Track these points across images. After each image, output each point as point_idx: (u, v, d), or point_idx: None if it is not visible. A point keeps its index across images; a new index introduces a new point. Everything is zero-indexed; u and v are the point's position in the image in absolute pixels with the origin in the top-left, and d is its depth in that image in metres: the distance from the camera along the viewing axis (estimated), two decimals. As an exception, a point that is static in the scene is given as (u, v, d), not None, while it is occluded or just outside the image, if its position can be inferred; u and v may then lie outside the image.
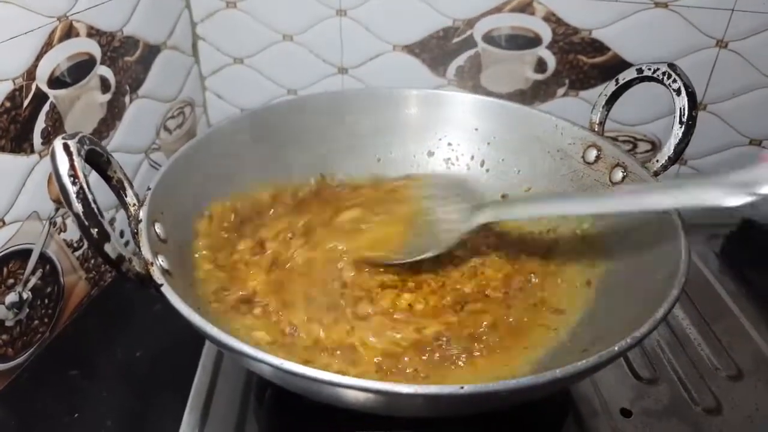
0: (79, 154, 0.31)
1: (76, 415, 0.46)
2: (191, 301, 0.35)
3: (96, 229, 0.30)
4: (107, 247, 0.31)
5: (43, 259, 0.51)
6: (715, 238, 0.64)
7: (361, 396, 0.28)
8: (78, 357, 0.51)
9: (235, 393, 0.46)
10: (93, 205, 0.30)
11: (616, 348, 0.29)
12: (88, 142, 0.33)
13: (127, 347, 0.52)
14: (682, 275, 0.34)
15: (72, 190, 0.29)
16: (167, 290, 0.32)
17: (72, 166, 0.30)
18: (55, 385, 0.49)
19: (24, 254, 0.49)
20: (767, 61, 0.63)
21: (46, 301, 0.52)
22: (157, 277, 0.33)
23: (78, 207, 0.30)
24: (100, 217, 0.30)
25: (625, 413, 0.44)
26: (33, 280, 0.50)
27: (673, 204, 0.36)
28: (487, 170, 0.55)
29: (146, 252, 0.34)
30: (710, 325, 0.53)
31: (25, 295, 0.49)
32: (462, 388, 0.26)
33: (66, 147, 0.30)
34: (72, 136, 0.31)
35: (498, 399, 0.28)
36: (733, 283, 0.57)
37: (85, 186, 0.30)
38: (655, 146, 0.71)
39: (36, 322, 0.51)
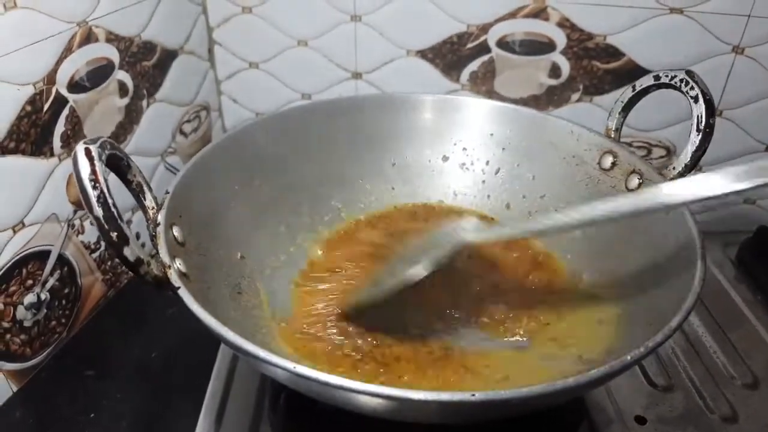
0: (100, 158, 0.31)
1: (92, 415, 0.46)
2: (208, 304, 0.35)
3: (116, 233, 0.30)
4: (126, 251, 0.31)
5: (61, 260, 0.52)
6: (730, 246, 0.63)
7: (372, 401, 0.28)
8: (94, 358, 0.52)
9: (250, 397, 0.46)
10: (113, 209, 0.30)
11: (629, 357, 0.29)
12: (109, 146, 0.33)
13: (143, 348, 0.52)
14: (697, 284, 0.34)
15: (93, 194, 0.30)
16: (184, 293, 0.32)
17: (93, 171, 0.30)
18: (72, 385, 0.49)
19: (42, 256, 0.49)
20: (784, 67, 0.63)
21: (64, 302, 0.53)
22: (175, 280, 0.33)
23: (99, 211, 0.30)
24: (120, 221, 0.31)
25: (640, 421, 0.44)
26: (51, 281, 0.51)
27: (682, 198, 0.34)
28: (502, 176, 0.55)
29: (164, 255, 0.34)
30: (726, 333, 0.52)
31: (43, 296, 0.50)
32: (473, 395, 0.26)
33: (88, 152, 0.31)
34: (94, 141, 0.32)
35: (509, 407, 0.28)
36: (749, 290, 0.57)
37: (105, 191, 0.30)
38: (670, 152, 0.70)
39: (53, 322, 0.52)
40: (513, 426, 0.37)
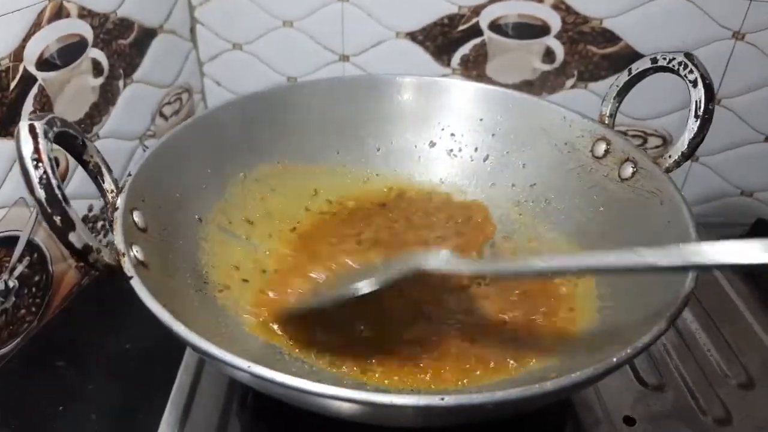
0: (45, 136, 0.29)
1: (60, 407, 0.45)
2: (168, 295, 0.33)
3: (59, 217, 0.28)
4: (72, 237, 0.29)
5: (31, 246, 0.49)
6: (726, 238, 0.61)
7: (337, 405, 0.26)
8: (65, 348, 0.50)
9: (218, 394, 0.44)
10: (57, 191, 0.28)
11: (615, 360, 0.27)
12: (59, 123, 0.31)
13: (117, 339, 0.51)
14: (690, 280, 0.32)
15: (34, 174, 0.28)
16: (136, 283, 0.30)
17: (36, 149, 0.28)
18: (42, 376, 0.48)
19: (10, 241, 0.47)
20: (787, 54, 0.61)
21: (34, 289, 0.51)
22: (128, 269, 0.31)
23: (40, 193, 0.28)
24: (64, 204, 0.28)
25: (629, 421, 0.42)
26: (20, 268, 0.49)
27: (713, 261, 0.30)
28: (491, 164, 0.53)
29: (119, 242, 0.32)
30: (720, 329, 0.50)
31: (11, 284, 0.48)
32: (442, 399, 0.24)
33: (32, 128, 0.29)
34: (40, 117, 0.30)
35: (484, 411, 0.26)
36: (745, 285, 0.55)
37: (49, 171, 0.28)
38: (666, 141, 0.68)
39: (23, 311, 0.50)
40: (492, 426, 0.35)
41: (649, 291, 0.35)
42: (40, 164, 0.28)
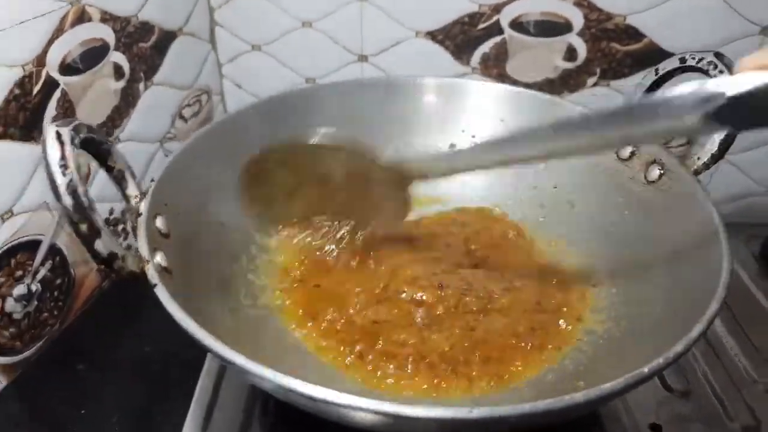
0: (72, 142, 0.29)
1: (82, 411, 0.45)
2: (191, 300, 0.33)
3: (85, 225, 0.28)
4: (98, 244, 0.29)
5: (53, 250, 0.50)
6: (753, 239, 0.60)
7: (360, 415, 0.26)
8: (87, 351, 0.50)
9: (240, 398, 0.44)
10: (83, 198, 0.28)
11: (646, 370, 0.26)
12: (85, 130, 0.31)
13: (137, 342, 0.51)
14: (722, 288, 0.31)
15: (62, 182, 0.28)
16: (161, 291, 0.30)
17: (63, 156, 0.28)
18: (63, 379, 0.48)
19: (33, 246, 0.48)
20: (817, 49, 0.59)
21: (56, 293, 0.51)
22: (152, 276, 0.31)
23: (67, 200, 0.28)
24: (90, 211, 0.28)
25: (655, 429, 0.41)
26: (42, 272, 0.49)
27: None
28: (513, 166, 0.52)
29: (143, 249, 0.32)
30: (747, 334, 0.49)
31: (33, 288, 0.48)
32: (471, 411, 0.24)
33: (58, 135, 0.29)
34: (66, 123, 0.30)
35: (512, 423, 0.25)
36: (773, 286, 0.54)
37: (76, 178, 0.28)
38: (690, 140, 0.67)
39: (45, 314, 0.50)
40: None
41: (678, 298, 0.34)
42: (67, 171, 0.28)
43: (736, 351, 0.48)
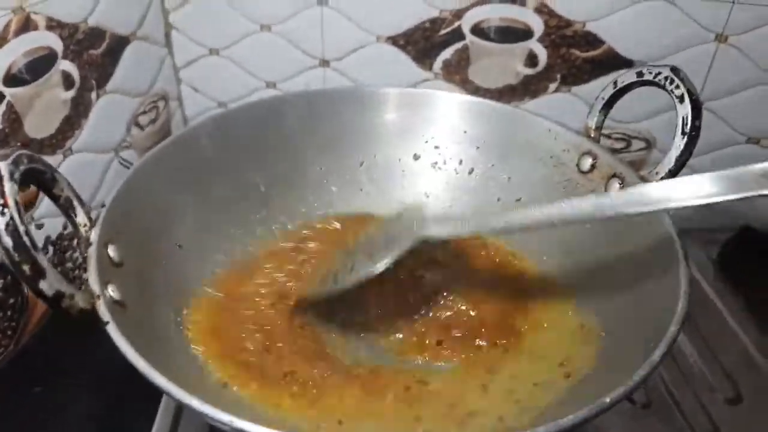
0: (11, 178, 0.27)
1: (40, 434, 0.43)
2: (146, 332, 0.32)
3: (28, 265, 0.27)
4: (43, 285, 0.28)
5: (3, 269, 0.48)
6: (711, 244, 0.61)
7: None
8: (43, 373, 0.49)
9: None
10: (25, 238, 0.27)
11: (608, 400, 0.27)
12: (26, 161, 0.30)
13: (95, 362, 0.48)
14: (681, 309, 0.31)
15: (0, 222, 0.26)
16: (113, 330, 0.29)
17: (2, 194, 0.26)
18: (19, 403, 0.46)
19: (-18, 266, 0.46)
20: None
21: (9, 312, 0.49)
22: (103, 313, 0.30)
23: (7, 241, 0.26)
24: (33, 251, 0.27)
25: (617, 441, 0.42)
26: (-7, 292, 0.47)
27: (668, 204, 0.33)
28: (476, 177, 0.52)
29: (93, 283, 0.31)
30: (706, 340, 0.50)
31: (-17, 308, 0.47)
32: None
33: (-4, 171, 0.27)
34: (5, 157, 0.28)
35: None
36: (731, 293, 0.54)
37: (16, 216, 0.27)
38: (650, 145, 0.68)
39: (-1, 335, 0.48)
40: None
41: (640, 317, 0.34)
42: (6, 210, 0.26)
43: (695, 358, 0.49)
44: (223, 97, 0.73)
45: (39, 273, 0.27)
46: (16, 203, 0.27)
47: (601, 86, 0.48)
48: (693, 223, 0.63)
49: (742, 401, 0.46)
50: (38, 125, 0.51)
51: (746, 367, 0.48)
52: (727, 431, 0.43)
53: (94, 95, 0.57)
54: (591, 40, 0.62)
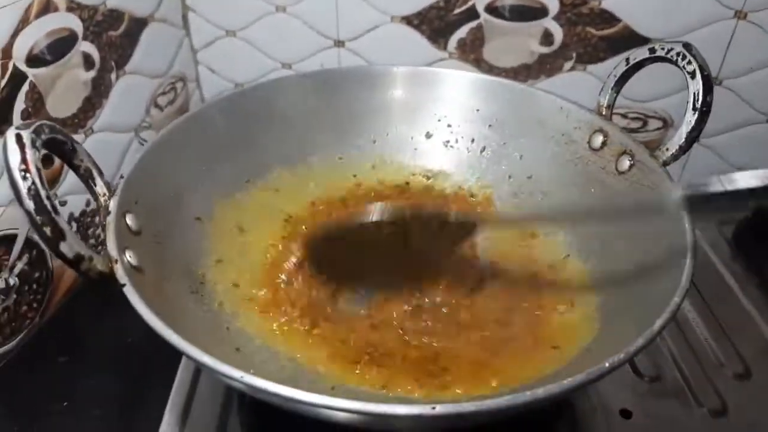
0: (33, 145, 0.28)
1: (65, 403, 0.45)
2: (162, 300, 0.33)
3: (49, 228, 0.28)
4: (63, 247, 0.29)
5: (30, 244, 0.49)
6: (726, 224, 0.60)
7: (330, 413, 0.26)
8: (68, 343, 0.50)
9: (217, 393, 0.44)
10: (46, 202, 0.28)
11: (607, 365, 0.27)
12: (47, 130, 0.31)
13: (119, 333, 0.50)
14: (685, 279, 0.32)
15: (23, 186, 0.27)
16: (129, 292, 0.30)
17: (24, 160, 0.28)
18: (45, 372, 0.48)
19: (9, 240, 0.47)
20: (789, 34, 0.60)
21: (35, 286, 0.51)
22: (120, 276, 0.31)
23: (29, 204, 0.28)
24: (54, 214, 0.28)
25: (625, 414, 0.42)
26: (19, 266, 0.49)
27: None
28: (488, 155, 0.52)
29: (112, 248, 0.32)
30: (718, 318, 0.50)
31: (11, 281, 0.48)
32: (433, 408, 0.24)
33: (19, 138, 0.28)
34: (27, 126, 0.29)
35: (475, 418, 0.26)
36: (744, 273, 0.54)
37: (37, 181, 0.28)
38: (667, 123, 0.67)
39: (25, 308, 0.50)
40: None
41: (643, 282, 0.34)
42: (28, 175, 0.28)
43: (706, 335, 0.49)
44: (239, 78, 0.74)
45: (60, 235, 0.28)
46: (38, 169, 0.28)
47: (616, 65, 0.48)
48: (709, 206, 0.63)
49: (750, 377, 0.45)
50: (60, 105, 0.52)
51: (756, 344, 0.48)
52: (735, 406, 0.43)
53: (113, 76, 0.59)
54: (607, 18, 0.62)
